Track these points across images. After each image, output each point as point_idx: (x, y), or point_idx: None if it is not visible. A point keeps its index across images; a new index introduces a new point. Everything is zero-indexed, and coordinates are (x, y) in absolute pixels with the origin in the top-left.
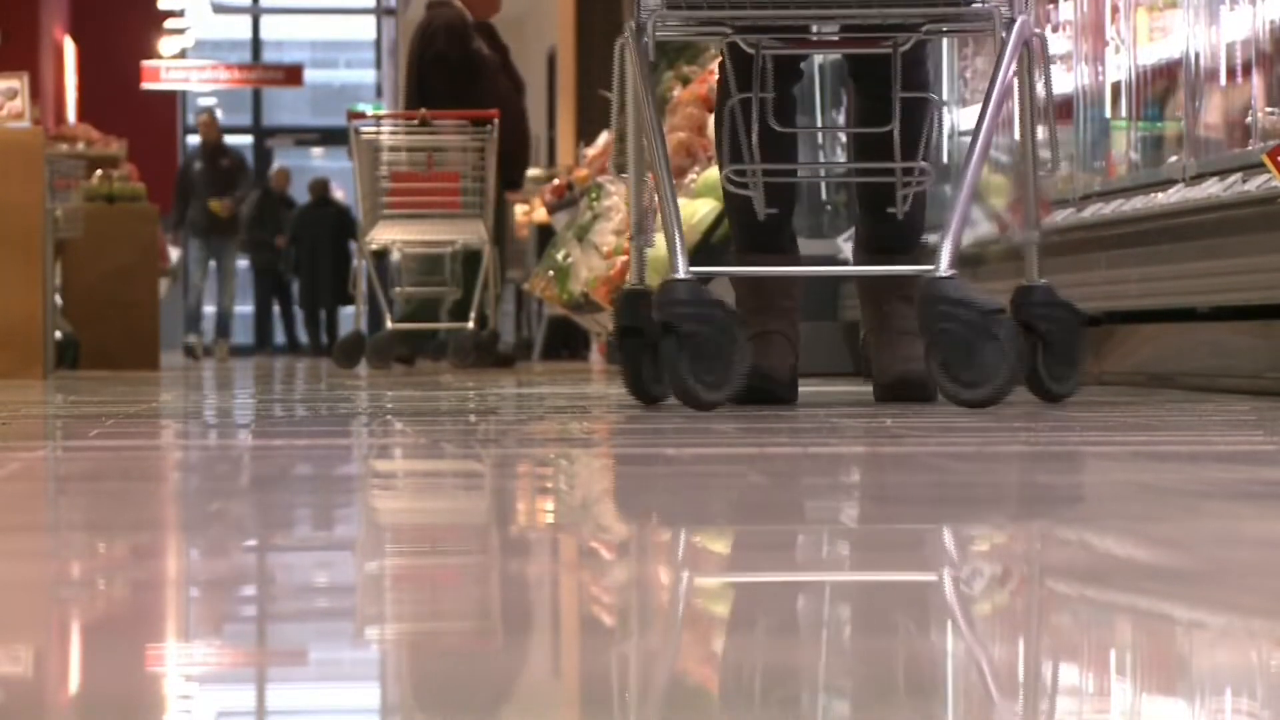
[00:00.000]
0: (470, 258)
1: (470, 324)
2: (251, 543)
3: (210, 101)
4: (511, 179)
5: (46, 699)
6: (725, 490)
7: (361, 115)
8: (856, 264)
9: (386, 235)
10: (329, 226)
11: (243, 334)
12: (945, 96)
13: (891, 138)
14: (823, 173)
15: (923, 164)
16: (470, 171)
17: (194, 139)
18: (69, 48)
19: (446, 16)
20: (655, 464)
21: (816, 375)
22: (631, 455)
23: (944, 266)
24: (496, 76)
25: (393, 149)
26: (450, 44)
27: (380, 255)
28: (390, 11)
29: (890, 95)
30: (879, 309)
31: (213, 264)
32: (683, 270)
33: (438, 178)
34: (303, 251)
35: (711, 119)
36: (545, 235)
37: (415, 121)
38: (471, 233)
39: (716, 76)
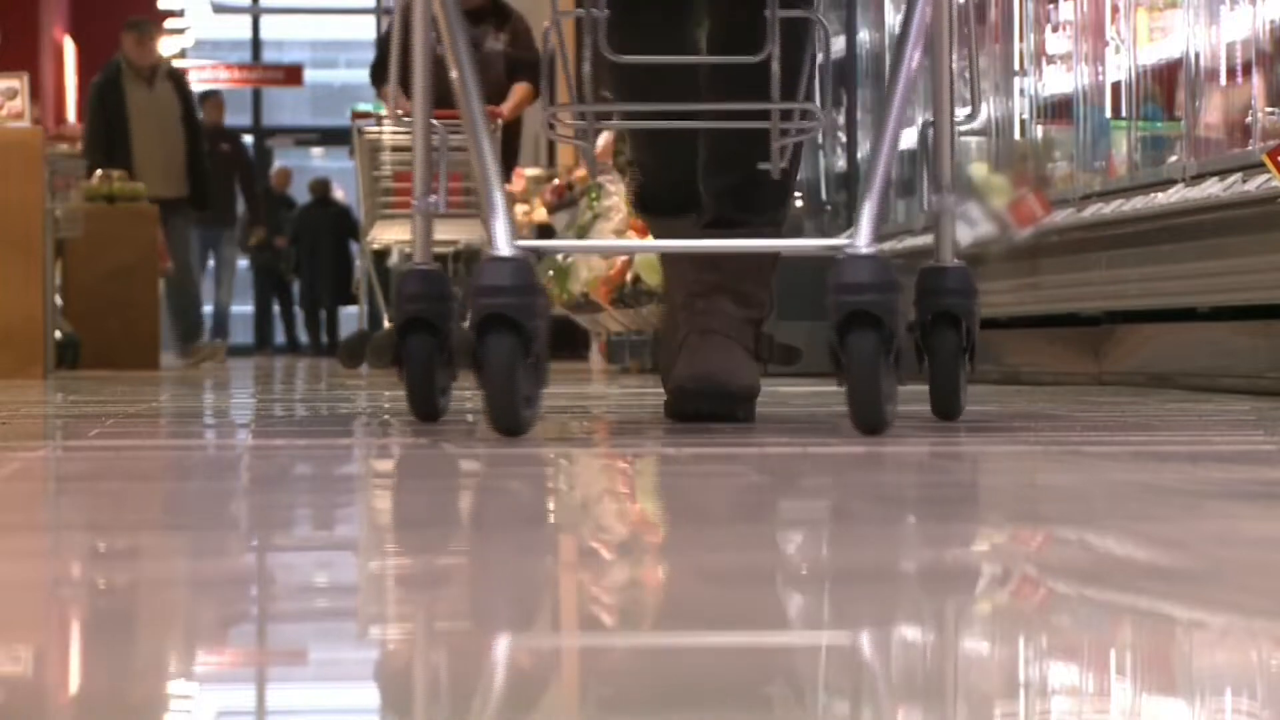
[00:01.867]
0: (471, 257)
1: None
2: (252, 542)
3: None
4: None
5: (46, 699)
6: (725, 490)
7: (367, 115)
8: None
9: (388, 235)
10: (329, 226)
11: (243, 334)
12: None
13: (756, 71)
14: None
15: (808, 105)
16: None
17: None
18: (69, 48)
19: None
20: (656, 463)
21: (816, 375)
22: (631, 455)
23: (864, 240)
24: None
25: (395, 149)
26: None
27: (381, 255)
28: (389, 11)
29: (756, 18)
30: (690, 303)
31: (209, 261)
32: (506, 245)
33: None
34: (303, 251)
35: None
36: (545, 235)
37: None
38: (473, 233)
39: None
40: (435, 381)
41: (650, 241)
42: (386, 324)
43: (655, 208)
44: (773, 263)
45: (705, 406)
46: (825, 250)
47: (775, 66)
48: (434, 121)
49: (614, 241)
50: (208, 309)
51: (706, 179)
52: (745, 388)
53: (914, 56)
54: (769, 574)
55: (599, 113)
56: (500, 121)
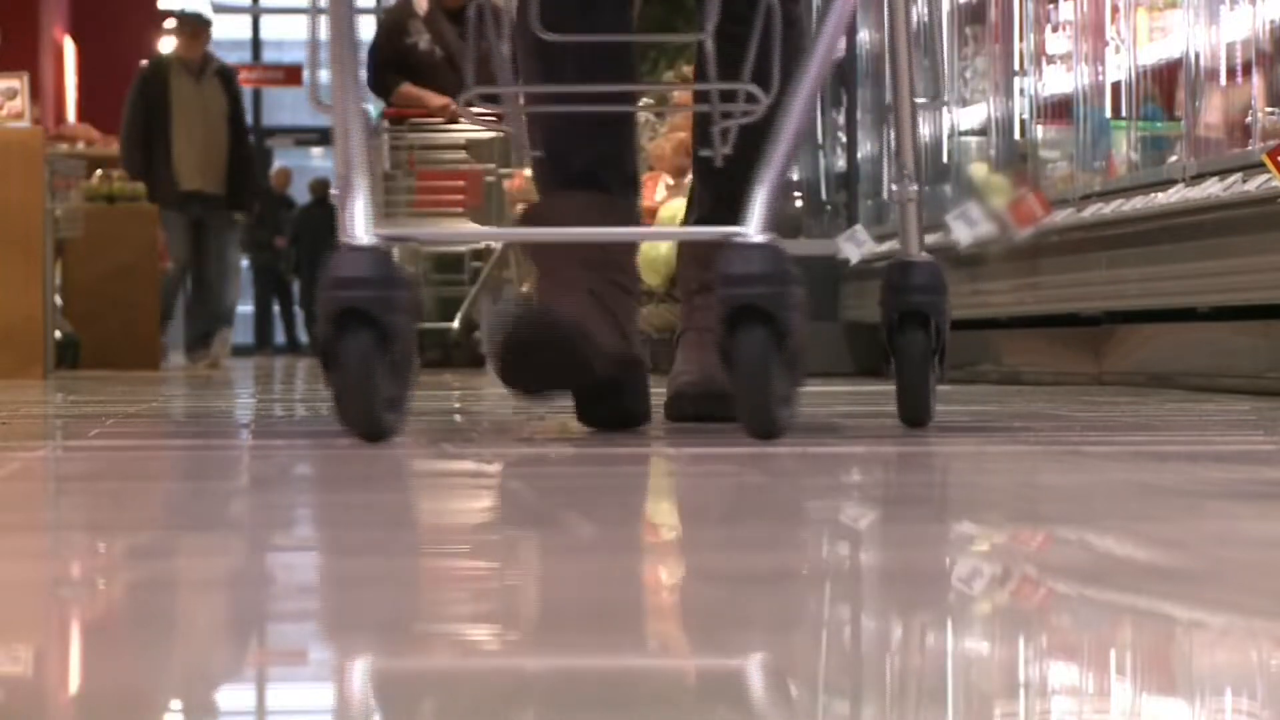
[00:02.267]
0: (458, 259)
1: (455, 323)
2: (252, 542)
3: None
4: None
5: (46, 699)
6: (724, 490)
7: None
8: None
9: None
10: (329, 226)
11: (243, 334)
12: (945, 96)
13: (725, 53)
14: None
15: (749, 86)
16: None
17: None
18: (69, 48)
19: (390, 14)
20: (654, 463)
21: (817, 375)
22: (629, 454)
23: (755, 227)
24: (437, 72)
25: (424, 147)
26: (388, 41)
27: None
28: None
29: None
30: (688, 299)
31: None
32: (364, 233)
33: (459, 176)
34: (303, 251)
35: None
36: None
37: (443, 120)
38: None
39: None
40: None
41: (522, 230)
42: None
43: (569, 180)
44: None
45: (705, 408)
46: (717, 238)
47: (710, 45)
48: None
49: (483, 229)
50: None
51: (707, 178)
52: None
53: (829, 44)
54: (770, 573)
55: (526, 95)
56: None
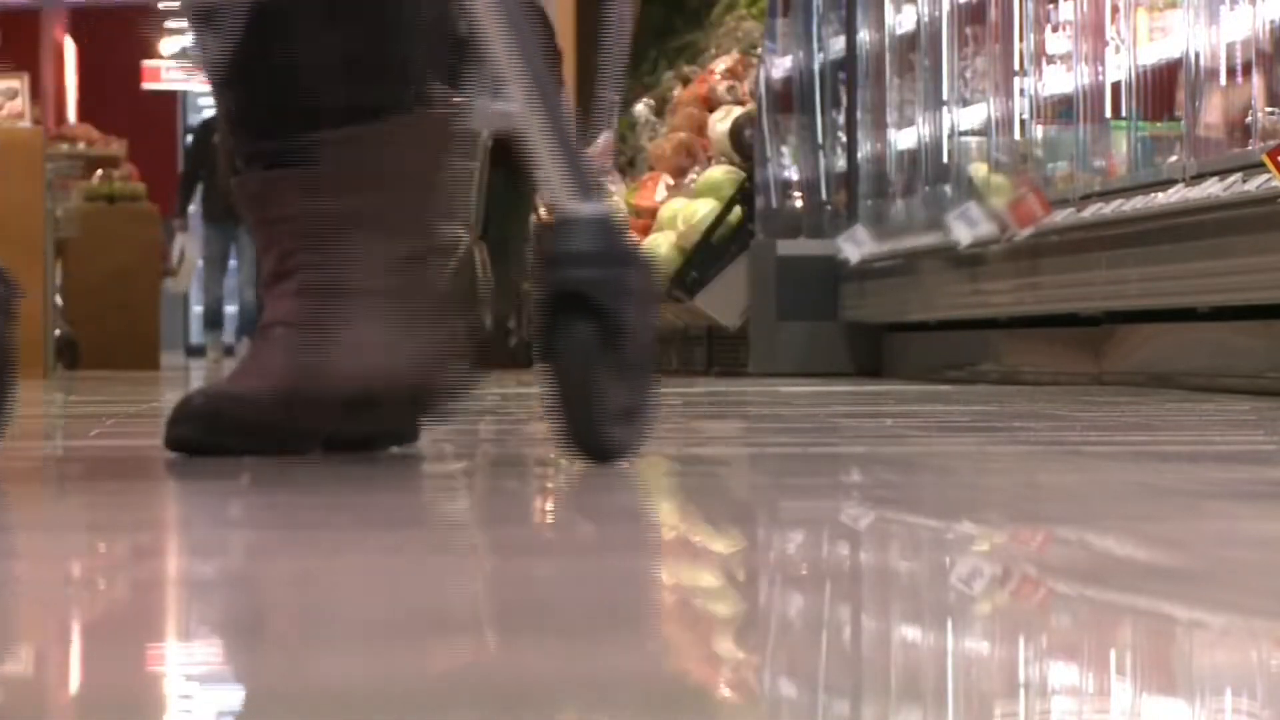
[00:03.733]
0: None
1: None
2: (252, 541)
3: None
4: None
5: (46, 699)
6: (727, 490)
7: None
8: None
9: None
10: None
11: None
12: (945, 96)
13: None
14: None
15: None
16: None
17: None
18: (69, 48)
19: None
20: (653, 463)
21: (816, 375)
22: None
23: None
24: None
25: None
26: None
27: None
28: None
29: None
30: (290, 254)
31: (232, 262)
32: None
33: None
34: None
35: (711, 117)
36: (548, 235)
37: None
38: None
39: (716, 75)
40: None
41: None
42: None
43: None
44: (444, 149)
45: (292, 421)
46: None
47: None
48: None
49: None
50: (232, 309)
51: (288, 47)
52: (412, 386)
53: None
54: (766, 572)
55: None
56: None
